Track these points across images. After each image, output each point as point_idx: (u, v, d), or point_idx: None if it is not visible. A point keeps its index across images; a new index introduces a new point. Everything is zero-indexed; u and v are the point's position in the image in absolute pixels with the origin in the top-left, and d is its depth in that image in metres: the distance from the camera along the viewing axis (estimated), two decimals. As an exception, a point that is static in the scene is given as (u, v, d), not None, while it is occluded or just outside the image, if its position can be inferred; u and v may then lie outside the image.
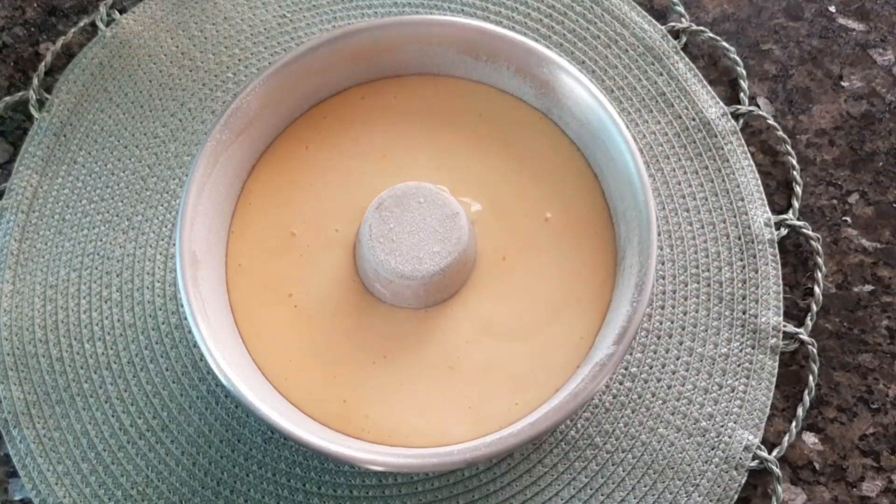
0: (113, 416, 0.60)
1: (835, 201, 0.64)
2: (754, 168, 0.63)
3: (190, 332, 0.61)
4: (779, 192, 0.64)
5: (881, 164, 0.65)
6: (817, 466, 0.59)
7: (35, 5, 0.70)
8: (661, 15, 0.69)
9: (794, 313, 0.62)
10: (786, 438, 0.59)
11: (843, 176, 0.65)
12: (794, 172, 0.64)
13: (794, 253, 0.63)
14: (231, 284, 0.57)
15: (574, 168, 0.59)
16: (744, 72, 0.66)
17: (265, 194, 0.59)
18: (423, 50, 0.59)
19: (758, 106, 0.66)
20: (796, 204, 0.63)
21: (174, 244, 0.59)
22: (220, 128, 0.55)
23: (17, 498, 0.60)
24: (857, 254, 0.63)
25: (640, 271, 0.52)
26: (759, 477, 0.59)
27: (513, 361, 0.55)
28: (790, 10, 0.70)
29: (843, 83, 0.68)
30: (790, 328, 0.60)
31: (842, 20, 0.69)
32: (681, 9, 0.68)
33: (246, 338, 0.56)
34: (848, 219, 0.64)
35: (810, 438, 0.60)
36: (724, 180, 0.63)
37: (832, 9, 0.70)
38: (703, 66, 0.67)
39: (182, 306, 0.53)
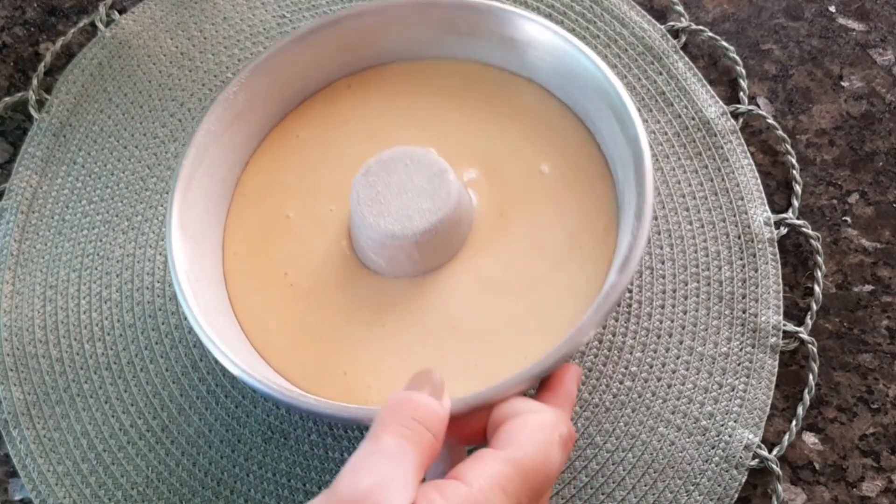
0: (113, 416, 0.60)
1: (835, 201, 0.64)
2: (754, 167, 0.63)
3: (190, 331, 0.61)
4: (779, 192, 0.64)
5: (881, 164, 0.65)
6: (817, 466, 0.59)
7: (35, 5, 0.70)
8: (660, 15, 0.69)
9: (794, 313, 0.62)
10: (786, 437, 0.59)
11: (843, 176, 0.65)
12: (794, 172, 0.64)
13: (793, 252, 0.63)
14: (228, 272, 0.57)
15: (567, 124, 0.59)
16: (743, 71, 0.67)
17: (260, 184, 0.59)
18: (405, 33, 0.60)
19: (757, 105, 0.66)
20: (796, 203, 0.63)
21: (164, 245, 0.59)
22: (210, 118, 0.56)
23: (17, 498, 0.60)
24: (857, 254, 0.63)
25: (638, 200, 0.52)
26: (759, 476, 0.59)
27: (518, 316, 0.54)
28: (790, 10, 0.70)
29: (843, 83, 0.68)
30: (790, 327, 0.60)
31: (842, 20, 0.69)
32: (680, 8, 0.68)
33: (243, 322, 0.56)
34: (848, 219, 0.64)
35: (810, 438, 0.60)
36: (723, 179, 0.63)
37: (832, 9, 0.70)
38: (702, 65, 0.67)
39: (180, 306, 0.53)
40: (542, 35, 0.58)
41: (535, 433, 0.42)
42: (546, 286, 0.55)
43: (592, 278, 0.54)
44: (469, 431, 0.46)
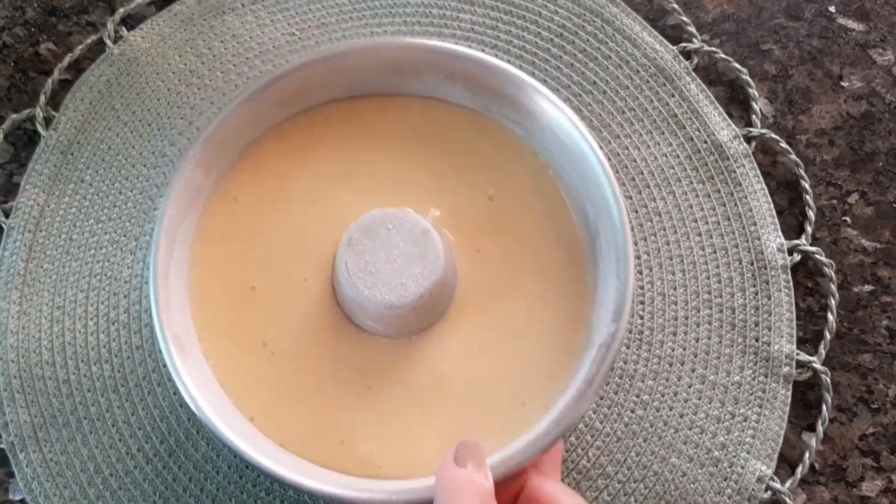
0: (120, 440, 0.59)
1: (834, 201, 0.65)
2: (767, 192, 0.63)
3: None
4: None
5: (881, 164, 0.66)
6: (817, 466, 0.59)
7: (35, 5, 0.70)
8: (676, 40, 0.68)
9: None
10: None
11: (843, 176, 0.65)
12: (808, 197, 0.64)
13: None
14: (207, 352, 0.56)
15: (520, 155, 0.59)
16: (756, 93, 0.66)
17: (212, 253, 0.58)
18: (348, 76, 0.59)
19: (770, 128, 0.66)
20: (809, 229, 0.63)
21: (156, 330, 0.57)
22: (171, 204, 0.55)
23: (17, 498, 0.60)
24: (857, 254, 0.64)
25: (618, 245, 0.53)
26: (771, 509, 0.59)
27: (508, 366, 0.55)
28: (790, 11, 0.70)
29: (842, 83, 0.68)
30: (803, 356, 0.60)
31: (842, 20, 0.70)
32: (692, 28, 0.68)
33: (233, 398, 0.55)
34: (848, 219, 0.64)
35: (809, 438, 0.60)
36: (736, 204, 0.63)
37: (832, 9, 0.70)
38: (715, 87, 0.67)
39: (182, 393, 0.52)
40: (494, 75, 0.58)
41: None
42: (530, 327, 0.55)
43: (574, 313, 0.55)
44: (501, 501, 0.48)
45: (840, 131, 0.66)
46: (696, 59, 0.67)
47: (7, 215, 0.65)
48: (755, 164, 0.64)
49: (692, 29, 0.68)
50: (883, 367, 0.61)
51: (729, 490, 0.57)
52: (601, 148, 0.55)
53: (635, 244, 0.62)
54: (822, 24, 0.69)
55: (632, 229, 0.60)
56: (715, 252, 0.62)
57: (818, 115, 0.67)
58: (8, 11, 0.70)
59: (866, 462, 0.59)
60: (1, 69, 0.69)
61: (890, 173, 0.65)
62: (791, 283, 0.61)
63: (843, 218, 0.64)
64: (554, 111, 0.56)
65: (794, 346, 0.60)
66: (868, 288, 0.63)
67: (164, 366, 0.60)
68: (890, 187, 0.65)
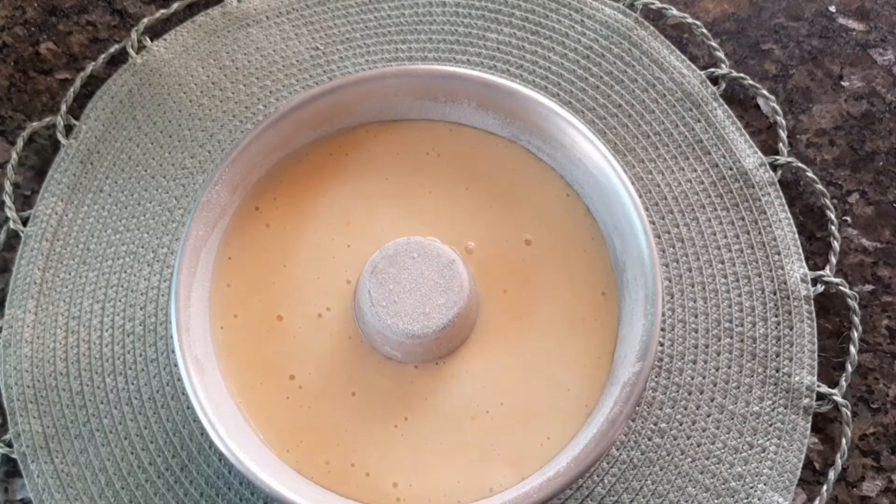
0: (132, 453, 0.59)
1: (835, 201, 0.64)
2: (791, 221, 0.62)
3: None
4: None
5: (881, 163, 0.66)
6: (817, 466, 0.59)
7: (35, 5, 0.70)
8: (704, 64, 0.68)
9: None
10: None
11: (844, 176, 0.65)
12: (833, 227, 0.63)
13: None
14: (226, 375, 0.56)
15: (551, 188, 0.59)
16: (783, 121, 0.65)
17: (238, 278, 0.58)
18: (379, 101, 0.59)
19: (797, 157, 0.65)
20: (833, 260, 0.62)
21: (174, 353, 0.57)
22: (196, 223, 0.55)
23: (18, 497, 0.60)
24: (858, 253, 0.64)
25: (647, 283, 0.53)
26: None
27: (534, 397, 0.55)
28: (790, 10, 0.70)
29: (843, 83, 0.68)
30: (824, 388, 0.59)
31: (842, 20, 0.69)
32: (720, 53, 0.67)
33: (257, 426, 0.55)
34: (848, 218, 0.64)
35: (810, 438, 0.59)
36: (760, 233, 0.62)
37: (832, 9, 0.70)
38: (742, 113, 0.66)
39: (198, 415, 0.52)
40: (526, 106, 0.58)
41: None
42: (557, 363, 0.55)
43: (602, 349, 0.55)
44: None
45: (840, 131, 0.66)
46: (723, 85, 0.67)
47: (25, 223, 0.64)
48: (780, 193, 0.63)
49: (720, 54, 0.67)
50: (883, 367, 0.61)
51: (746, 522, 0.57)
52: (632, 183, 0.55)
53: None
54: (823, 23, 0.69)
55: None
56: (737, 280, 0.61)
57: (818, 114, 0.67)
58: (8, 11, 0.70)
59: (867, 462, 0.59)
60: (1, 69, 0.69)
61: (890, 173, 0.65)
62: (814, 315, 0.60)
63: (844, 217, 0.64)
64: (585, 144, 0.56)
65: (815, 378, 0.59)
66: (868, 288, 0.63)
67: (179, 379, 0.60)
68: (890, 187, 0.65)
